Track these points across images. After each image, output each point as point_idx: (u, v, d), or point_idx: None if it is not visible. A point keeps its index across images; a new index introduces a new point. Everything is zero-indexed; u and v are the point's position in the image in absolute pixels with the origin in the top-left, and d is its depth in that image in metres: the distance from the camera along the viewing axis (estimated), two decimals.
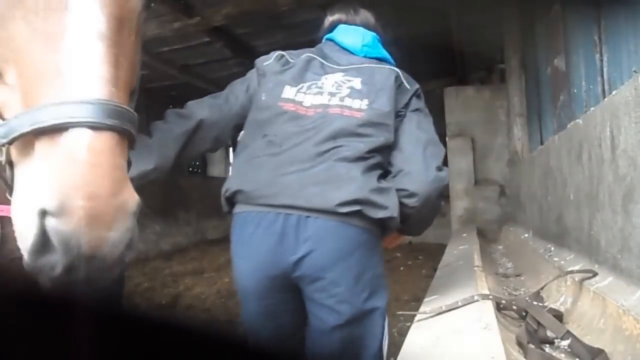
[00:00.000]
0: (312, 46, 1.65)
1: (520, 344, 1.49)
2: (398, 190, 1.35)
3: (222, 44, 6.14)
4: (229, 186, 1.32)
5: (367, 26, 1.60)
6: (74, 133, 0.58)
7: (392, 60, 1.57)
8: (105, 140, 0.60)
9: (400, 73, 1.50)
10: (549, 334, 1.59)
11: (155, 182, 1.45)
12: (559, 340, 1.55)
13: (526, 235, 3.81)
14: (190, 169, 10.73)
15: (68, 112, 0.58)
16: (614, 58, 2.30)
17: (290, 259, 1.23)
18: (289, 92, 1.37)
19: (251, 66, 1.61)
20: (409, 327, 1.73)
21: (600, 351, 1.38)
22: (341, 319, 1.24)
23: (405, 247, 8.09)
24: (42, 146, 0.59)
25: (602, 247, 1.91)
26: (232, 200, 1.34)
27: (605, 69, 2.43)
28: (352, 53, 1.52)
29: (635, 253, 1.55)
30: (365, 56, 1.52)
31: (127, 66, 0.70)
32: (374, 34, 1.59)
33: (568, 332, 1.54)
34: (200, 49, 6.51)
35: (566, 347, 1.51)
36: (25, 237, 0.58)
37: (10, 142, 0.61)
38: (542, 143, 3.97)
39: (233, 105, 1.44)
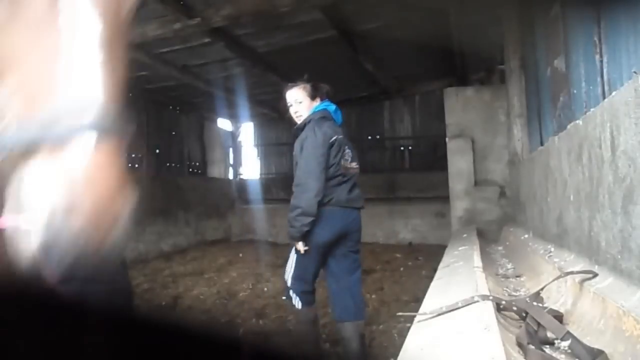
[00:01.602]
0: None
1: (520, 345, 1.49)
2: None
3: (222, 44, 6.14)
4: (326, 196, 2.73)
5: (333, 100, 3.04)
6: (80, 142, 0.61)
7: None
8: (105, 148, 0.62)
9: None
10: (549, 334, 1.59)
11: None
12: (559, 341, 1.55)
13: (526, 236, 3.81)
14: (190, 170, 10.70)
15: (71, 127, 0.61)
16: (614, 59, 2.30)
17: (348, 225, 2.82)
18: (342, 162, 2.83)
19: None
20: (409, 327, 1.73)
21: (601, 352, 1.38)
22: (357, 247, 2.93)
23: (405, 248, 8.10)
24: (48, 154, 0.61)
25: (602, 247, 1.91)
26: (325, 203, 2.72)
27: (605, 70, 2.43)
28: (337, 123, 2.98)
29: (636, 254, 1.55)
30: (339, 124, 3.00)
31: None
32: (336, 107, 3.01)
33: (568, 333, 1.54)
34: (200, 50, 6.52)
35: (566, 348, 1.51)
36: (36, 233, 0.59)
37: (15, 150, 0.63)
38: (542, 144, 3.97)
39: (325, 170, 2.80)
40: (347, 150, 2.85)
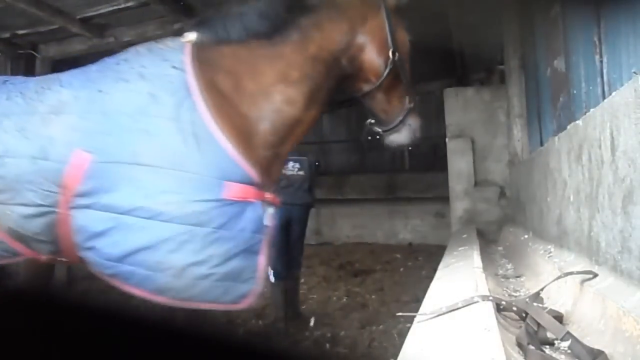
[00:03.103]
0: None
1: (520, 345, 1.49)
2: None
3: None
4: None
5: None
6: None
7: None
8: None
9: None
10: (549, 335, 1.58)
11: None
12: (559, 341, 1.55)
13: (526, 236, 3.81)
14: None
15: None
16: (614, 59, 2.30)
17: (290, 216, 4.10)
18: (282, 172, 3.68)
19: None
20: (409, 328, 1.73)
21: (601, 352, 1.38)
22: (302, 231, 4.47)
23: (406, 248, 8.10)
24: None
25: (602, 248, 1.91)
26: None
27: (605, 70, 2.43)
28: None
29: (636, 254, 1.55)
30: None
31: None
32: None
33: (568, 333, 1.54)
34: None
35: (566, 349, 1.51)
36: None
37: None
38: (542, 144, 3.97)
39: None
40: (292, 164, 4.08)
